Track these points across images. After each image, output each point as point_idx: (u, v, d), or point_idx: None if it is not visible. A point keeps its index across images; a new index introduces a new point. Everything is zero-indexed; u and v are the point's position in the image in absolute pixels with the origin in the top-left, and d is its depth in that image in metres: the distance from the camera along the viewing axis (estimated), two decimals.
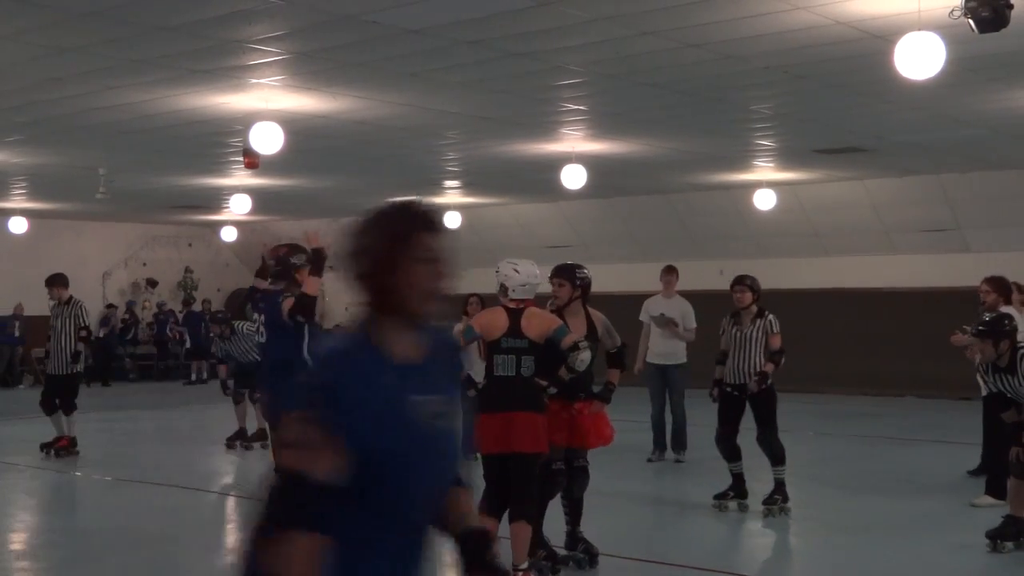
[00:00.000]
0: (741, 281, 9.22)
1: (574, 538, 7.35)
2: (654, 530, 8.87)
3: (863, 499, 9.85)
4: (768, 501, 9.06)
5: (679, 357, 11.99)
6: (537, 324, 6.64)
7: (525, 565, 6.65)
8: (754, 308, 9.16)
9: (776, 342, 9.03)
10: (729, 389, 9.12)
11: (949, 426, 14.56)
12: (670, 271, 12.34)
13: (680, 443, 11.95)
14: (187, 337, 24.80)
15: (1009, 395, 7.80)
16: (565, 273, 7.24)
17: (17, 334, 23.13)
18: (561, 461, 7.07)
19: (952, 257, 18.43)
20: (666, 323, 11.82)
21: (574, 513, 7.35)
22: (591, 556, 7.30)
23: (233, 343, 13.02)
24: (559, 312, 7.17)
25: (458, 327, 6.79)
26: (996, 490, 9.13)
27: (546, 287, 7.20)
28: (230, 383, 13.21)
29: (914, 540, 8.26)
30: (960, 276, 15.65)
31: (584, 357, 6.56)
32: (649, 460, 11.86)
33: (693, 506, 9.51)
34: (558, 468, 7.06)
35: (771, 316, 9.12)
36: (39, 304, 17.90)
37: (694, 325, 11.93)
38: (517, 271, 6.73)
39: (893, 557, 7.69)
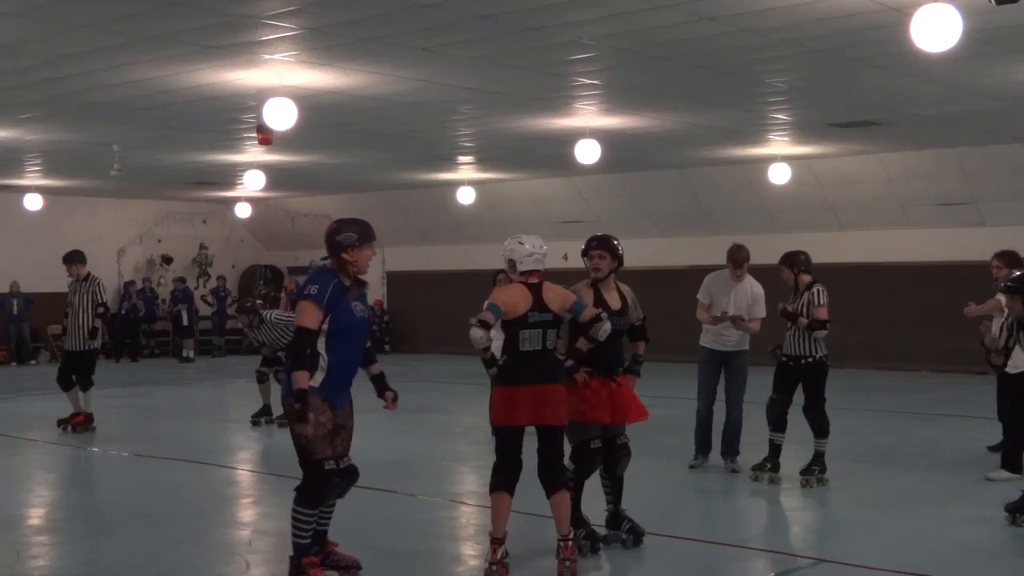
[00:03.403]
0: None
1: (617, 517, 7.23)
2: (691, 508, 8.78)
3: (879, 473, 9.85)
4: (806, 471, 9.11)
5: (743, 343, 9.79)
6: (555, 297, 6.61)
7: (572, 535, 6.54)
8: (806, 279, 9.13)
9: (820, 314, 8.93)
10: (784, 359, 9.15)
11: (964, 400, 14.52)
12: (743, 255, 9.66)
13: (732, 448, 9.82)
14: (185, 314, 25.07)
15: None
16: (606, 245, 7.16)
17: (15, 311, 23.21)
18: (599, 440, 7.01)
19: (967, 231, 18.37)
20: (732, 319, 9.54)
21: (616, 491, 7.24)
22: (636, 535, 7.16)
23: (263, 332, 12.58)
24: (595, 285, 7.16)
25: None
26: (1012, 464, 9.14)
27: (575, 261, 7.06)
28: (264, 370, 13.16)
29: (932, 513, 8.24)
30: (975, 250, 15.57)
31: (607, 327, 6.58)
32: (691, 467, 9.90)
33: (732, 483, 9.43)
34: (596, 447, 7.00)
35: (818, 287, 9.06)
36: (54, 281, 18.04)
37: (763, 314, 9.69)
38: (522, 243, 6.68)
39: (911, 530, 7.68)
